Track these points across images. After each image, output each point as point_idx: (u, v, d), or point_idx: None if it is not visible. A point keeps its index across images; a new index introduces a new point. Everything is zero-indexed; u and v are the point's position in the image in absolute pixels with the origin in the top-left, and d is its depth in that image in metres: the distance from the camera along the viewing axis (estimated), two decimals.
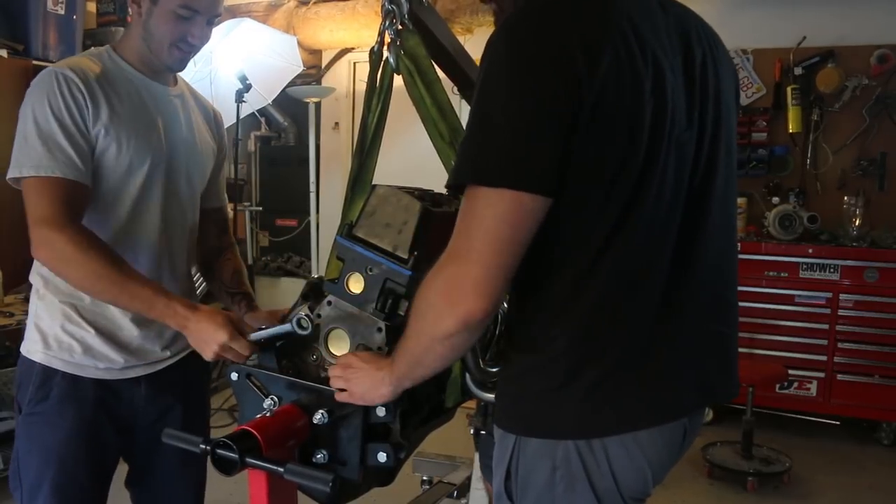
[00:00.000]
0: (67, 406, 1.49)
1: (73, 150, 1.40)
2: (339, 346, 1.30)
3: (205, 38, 1.53)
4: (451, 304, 0.96)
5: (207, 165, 1.66)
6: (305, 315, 1.29)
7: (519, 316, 1.11)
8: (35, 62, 3.45)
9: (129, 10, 1.54)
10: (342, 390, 1.21)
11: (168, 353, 1.59)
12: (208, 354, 1.38)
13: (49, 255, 1.38)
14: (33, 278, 1.55)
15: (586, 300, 1.03)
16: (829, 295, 3.86)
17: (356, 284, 1.26)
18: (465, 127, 1.00)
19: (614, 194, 1.00)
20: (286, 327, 1.30)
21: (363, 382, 1.18)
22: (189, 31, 1.49)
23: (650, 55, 1.00)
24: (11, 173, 1.41)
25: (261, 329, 1.36)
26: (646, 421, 1.07)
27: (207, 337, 1.36)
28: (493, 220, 0.93)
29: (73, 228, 1.37)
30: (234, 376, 1.34)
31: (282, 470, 1.12)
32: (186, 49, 1.52)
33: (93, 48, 1.57)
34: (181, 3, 1.46)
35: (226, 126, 4.51)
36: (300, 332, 1.29)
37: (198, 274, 1.80)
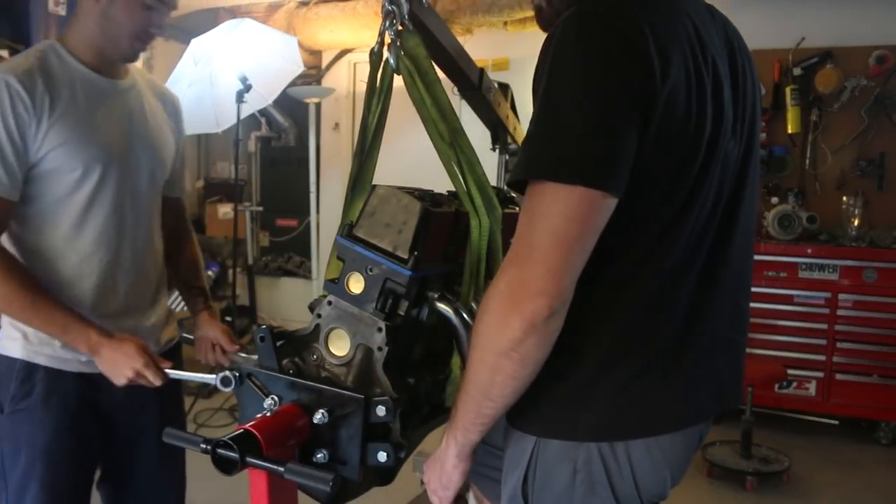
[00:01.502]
0: (52, 401, 1.48)
1: (1, 166, 1.37)
2: (339, 345, 1.30)
3: (164, 29, 1.51)
4: (514, 306, 0.90)
5: (168, 155, 1.63)
6: (231, 374, 1.30)
7: None
8: None
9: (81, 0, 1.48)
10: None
11: (150, 346, 1.59)
12: (120, 380, 1.41)
13: None
14: None
15: (622, 305, 1.03)
16: (828, 295, 3.87)
17: (356, 284, 1.26)
18: (530, 121, 0.94)
19: (669, 202, 0.98)
20: (208, 378, 1.34)
21: (434, 469, 1.16)
22: (153, 21, 1.47)
23: (710, 61, 1.00)
24: None
25: (183, 371, 1.45)
26: (670, 425, 1.07)
27: (121, 363, 1.39)
28: (562, 217, 0.88)
29: None
30: (227, 381, 1.34)
31: (282, 469, 1.13)
32: (146, 40, 1.49)
33: (38, 43, 1.52)
34: None
35: (226, 126, 4.51)
36: (222, 388, 1.31)
37: (176, 294, 1.80)
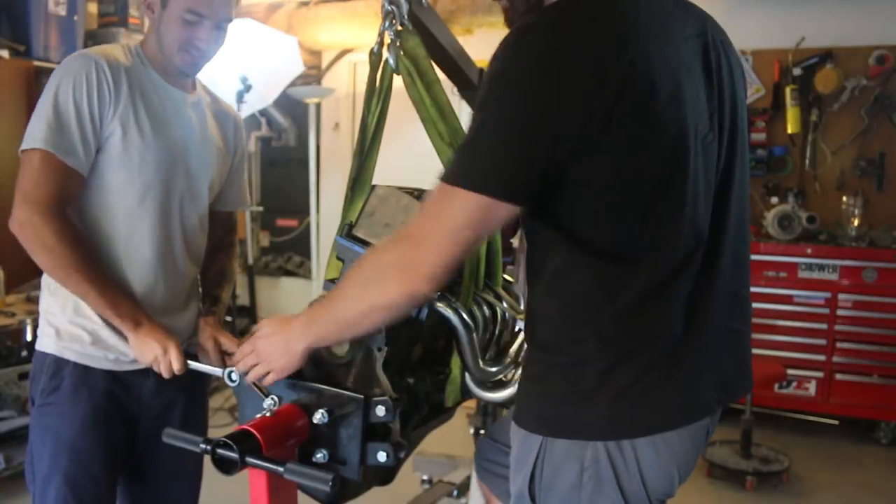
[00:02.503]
0: (79, 395, 1.51)
1: (80, 139, 1.44)
2: (339, 345, 1.30)
3: (214, 42, 1.56)
4: (401, 281, 1.03)
5: (212, 174, 1.68)
6: (240, 372, 1.33)
7: (545, 315, 1.10)
8: (36, 63, 3.45)
9: (146, 15, 1.57)
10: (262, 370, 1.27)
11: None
12: (146, 357, 1.47)
13: (28, 236, 1.42)
14: (44, 277, 1.57)
15: (620, 302, 1.04)
16: (828, 295, 3.87)
17: None
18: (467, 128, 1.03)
19: (636, 200, 1.01)
20: (217, 371, 1.42)
21: (274, 348, 1.24)
22: (196, 35, 1.52)
23: (667, 64, 1.01)
24: (25, 145, 1.44)
25: (202, 363, 1.51)
26: (676, 421, 1.08)
27: (151, 344, 1.45)
28: (461, 220, 0.98)
29: (59, 218, 1.42)
30: (234, 377, 1.35)
31: (282, 469, 1.13)
32: (196, 53, 1.55)
33: (126, 43, 1.60)
34: (187, 8, 1.50)
35: None
36: (229, 383, 1.36)
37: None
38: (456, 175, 0.98)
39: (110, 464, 1.57)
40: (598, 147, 0.97)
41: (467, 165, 0.99)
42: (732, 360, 1.17)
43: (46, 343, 1.54)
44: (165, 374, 1.47)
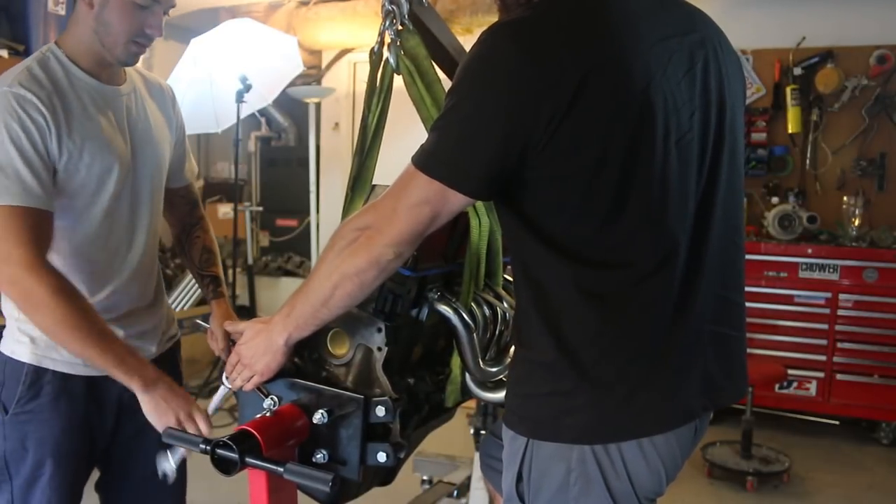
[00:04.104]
0: (60, 403, 1.48)
1: (34, 178, 1.34)
2: (338, 345, 1.30)
3: (160, 30, 1.46)
4: (367, 247, 1.08)
5: (165, 154, 1.62)
6: (228, 386, 1.33)
7: (528, 315, 1.11)
8: None
9: (80, 3, 1.42)
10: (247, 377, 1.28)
11: (153, 350, 1.60)
12: (161, 424, 1.39)
13: (18, 295, 1.35)
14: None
15: (596, 302, 1.04)
16: (829, 295, 3.87)
17: None
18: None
19: (599, 199, 1.02)
20: (225, 391, 1.38)
21: (256, 349, 1.25)
22: (147, 22, 1.42)
23: (636, 63, 1.00)
24: None
25: (214, 401, 1.48)
26: (657, 426, 1.07)
27: (166, 408, 1.39)
28: (421, 201, 1.04)
29: (44, 271, 1.32)
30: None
31: (282, 470, 1.13)
32: (144, 42, 1.45)
33: (37, 52, 1.48)
34: None
35: (226, 126, 4.50)
36: (230, 386, 1.34)
37: (178, 291, 1.79)
38: (420, 160, 1.04)
39: (88, 466, 1.56)
40: (557, 146, 0.98)
41: (432, 152, 1.04)
42: (720, 366, 1.15)
43: (20, 351, 1.48)
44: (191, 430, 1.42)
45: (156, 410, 1.40)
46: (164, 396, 1.40)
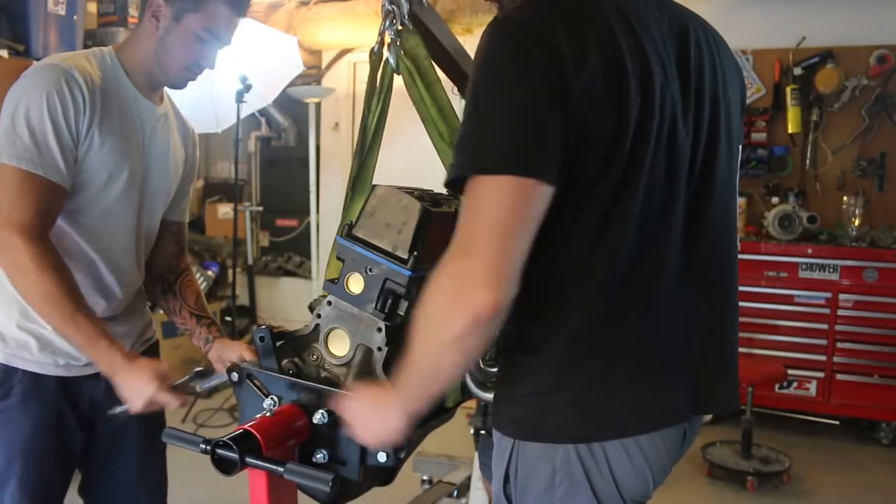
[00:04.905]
0: (30, 402, 1.48)
1: (60, 153, 1.38)
2: (338, 346, 1.30)
3: (213, 64, 1.54)
4: (459, 301, 0.91)
5: (172, 187, 1.66)
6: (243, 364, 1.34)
7: (511, 314, 1.09)
8: (36, 62, 3.45)
9: (147, 21, 1.49)
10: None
11: (127, 349, 1.60)
12: (137, 406, 1.40)
13: (7, 261, 1.37)
14: None
15: (579, 300, 1.03)
16: (829, 295, 3.87)
17: (356, 284, 1.26)
18: (461, 122, 1.00)
19: (597, 192, 1.00)
20: (222, 378, 1.38)
21: (371, 425, 1.13)
22: (204, 54, 1.49)
23: (638, 54, 1.00)
24: None
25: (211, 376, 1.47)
26: (642, 426, 1.06)
27: (138, 389, 1.39)
28: (498, 208, 0.90)
29: (40, 243, 1.35)
30: (234, 377, 1.35)
31: (282, 470, 1.13)
32: (197, 71, 1.52)
33: (94, 48, 1.54)
34: (204, 26, 1.46)
35: (226, 126, 4.50)
36: (231, 379, 1.34)
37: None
38: (476, 162, 0.93)
39: (64, 466, 1.55)
40: (573, 133, 0.95)
41: (486, 146, 0.93)
42: (711, 366, 1.14)
43: None
44: (173, 406, 1.43)
45: (127, 395, 1.41)
46: (129, 384, 1.40)
